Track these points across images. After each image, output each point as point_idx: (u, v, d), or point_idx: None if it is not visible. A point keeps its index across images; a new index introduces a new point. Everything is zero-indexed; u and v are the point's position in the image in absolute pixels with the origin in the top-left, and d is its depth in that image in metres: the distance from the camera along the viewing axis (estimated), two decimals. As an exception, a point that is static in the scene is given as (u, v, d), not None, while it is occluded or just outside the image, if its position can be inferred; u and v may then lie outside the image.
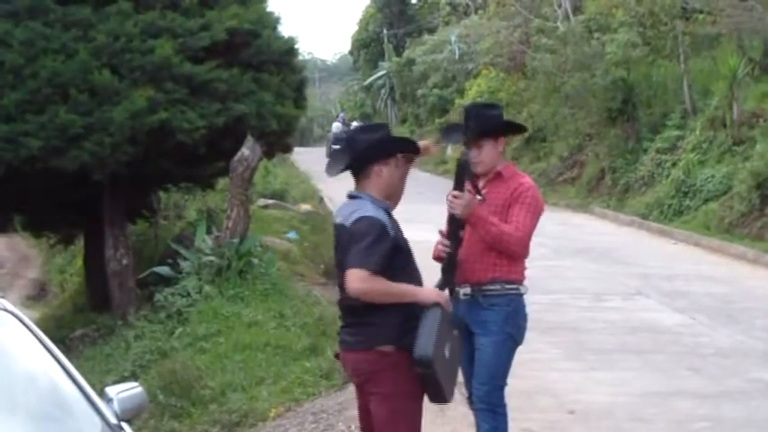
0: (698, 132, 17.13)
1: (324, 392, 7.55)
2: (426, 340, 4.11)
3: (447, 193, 4.54)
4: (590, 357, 7.94)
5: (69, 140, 11.45)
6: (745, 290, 11.23)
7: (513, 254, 4.69)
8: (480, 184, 4.79)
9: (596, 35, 21.71)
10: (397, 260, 4.15)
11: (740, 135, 15.98)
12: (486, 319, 4.66)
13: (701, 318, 9.65)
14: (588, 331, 8.96)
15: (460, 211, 4.46)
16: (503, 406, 4.77)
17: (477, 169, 4.77)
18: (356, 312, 4.16)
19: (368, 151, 4.21)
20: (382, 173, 4.23)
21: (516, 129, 5.55)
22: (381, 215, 4.15)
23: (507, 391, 4.85)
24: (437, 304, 4.20)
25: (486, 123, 4.79)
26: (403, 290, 4.15)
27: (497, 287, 4.70)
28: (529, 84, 25.88)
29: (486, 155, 4.75)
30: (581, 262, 13.28)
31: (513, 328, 4.76)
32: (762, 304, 10.39)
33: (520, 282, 4.79)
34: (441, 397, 4.26)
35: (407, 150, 4.36)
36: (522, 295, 4.80)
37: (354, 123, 48.85)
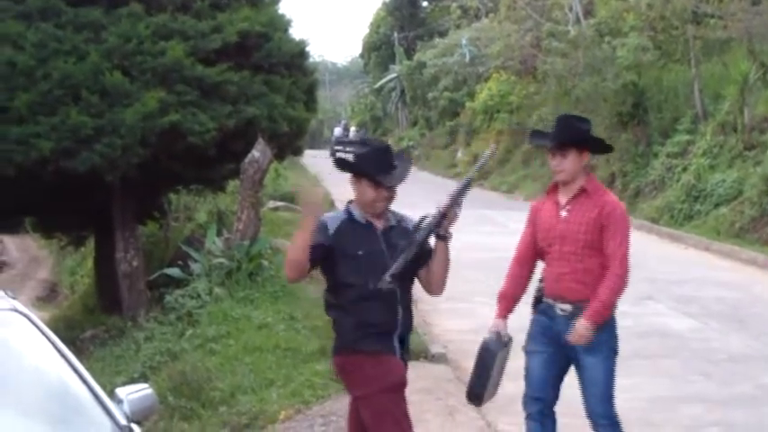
0: (709, 137, 17.07)
1: (333, 395, 7.52)
2: (483, 381, 4.70)
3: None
4: (600, 362, 7.90)
5: (80, 142, 11.48)
6: (756, 295, 11.18)
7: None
8: (563, 200, 4.82)
9: (607, 39, 21.69)
10: (337, 263, 4.26)
11: (751, 140, 15.93)
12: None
13: (711, 323, 9.61)
14: (598, 336, 8.93)
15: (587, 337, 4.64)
16: (617, 415, 4.86)
17: (558, 177, 4.81)
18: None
19: (342, 163, 4.44)
20: (354, 186, 4.39)
21: (602, 146, 5.44)
22: (332, 216, 4.35)
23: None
24: (504, 345, 4.74)
25: (572, 133, 4.80)
26: (297, 237, 4.27)
27: None
28: (540, 87, 25.90)
29: (569, 164, 4.74)
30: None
31: (615, 341, 4.82)
32: (773, 309, 10.35)
33: None
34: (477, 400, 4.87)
35: (371, 179, 4.32)
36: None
37: (353, 129, 49.15)
